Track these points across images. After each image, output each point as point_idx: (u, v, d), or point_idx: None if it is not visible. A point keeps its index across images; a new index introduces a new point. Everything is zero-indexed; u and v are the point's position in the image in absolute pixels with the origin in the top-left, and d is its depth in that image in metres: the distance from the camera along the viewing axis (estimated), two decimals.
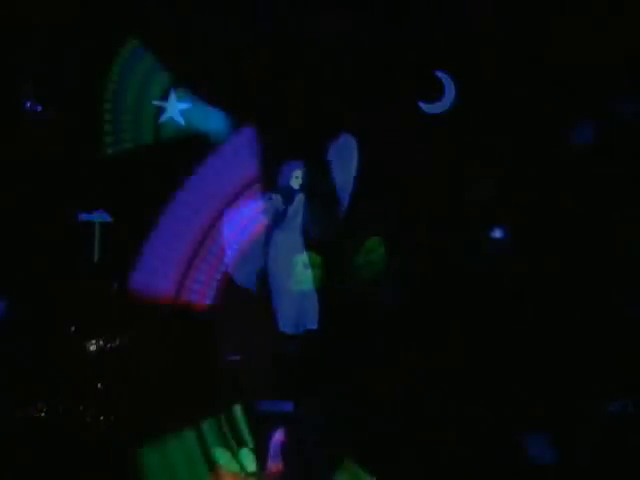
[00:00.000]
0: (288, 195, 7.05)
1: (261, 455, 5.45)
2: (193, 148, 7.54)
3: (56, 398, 5.50)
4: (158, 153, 7.48)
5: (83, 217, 7.06)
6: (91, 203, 7.03)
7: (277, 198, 7.01)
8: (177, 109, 7.45)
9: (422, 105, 7.23)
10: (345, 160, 7.10)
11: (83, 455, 5.29)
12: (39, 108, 6.76)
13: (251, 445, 5.48)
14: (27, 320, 6.03)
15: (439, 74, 7.20)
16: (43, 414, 5.47)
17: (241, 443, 5.52)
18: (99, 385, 5.74)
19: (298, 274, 6.90)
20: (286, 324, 6.83)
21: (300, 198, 7.07)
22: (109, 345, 6.14)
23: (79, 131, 6.97)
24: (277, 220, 6.99)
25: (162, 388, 5.70)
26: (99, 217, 7.15)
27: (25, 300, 6.12)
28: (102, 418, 5.61)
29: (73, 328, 6.20)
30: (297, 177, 7.05)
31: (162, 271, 6.77)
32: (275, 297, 6.86)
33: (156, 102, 7.45)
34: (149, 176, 7.35)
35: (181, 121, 7.52)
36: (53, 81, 6.81)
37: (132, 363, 5.93)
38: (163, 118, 7.44)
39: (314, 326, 6.88)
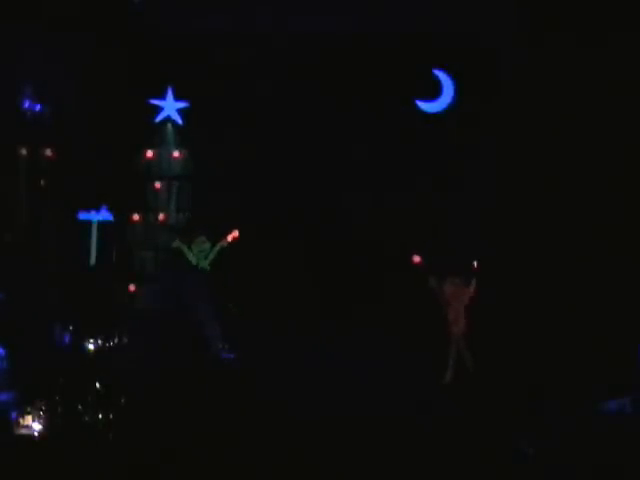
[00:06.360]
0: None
1: None
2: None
3: (56, 397, 5.48)
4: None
5: (83, 216, 7.08)
6: (92, 202, 7.05)
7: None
8: (174, 108, 7.45)
9: (420, 104, 7.28)
10: None
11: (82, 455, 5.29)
12: (38, 107, 6.75)
13: None
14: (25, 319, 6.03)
15: (437, 73, 7.23)
16: (42, 413, 5.45)
17: None
18: (98, 385, 5.73)
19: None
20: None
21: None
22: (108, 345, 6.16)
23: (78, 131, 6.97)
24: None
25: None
26: (100, 216, 7.15)
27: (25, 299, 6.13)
28: (101, 418, 5.60)
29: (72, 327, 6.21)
30: None
31: None
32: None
33: (154, 101, 7.45)
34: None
35: (178, 120, 7.52)
36: (53, 81, 6.80)
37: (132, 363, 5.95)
38: (160, 117, 7.45)
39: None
